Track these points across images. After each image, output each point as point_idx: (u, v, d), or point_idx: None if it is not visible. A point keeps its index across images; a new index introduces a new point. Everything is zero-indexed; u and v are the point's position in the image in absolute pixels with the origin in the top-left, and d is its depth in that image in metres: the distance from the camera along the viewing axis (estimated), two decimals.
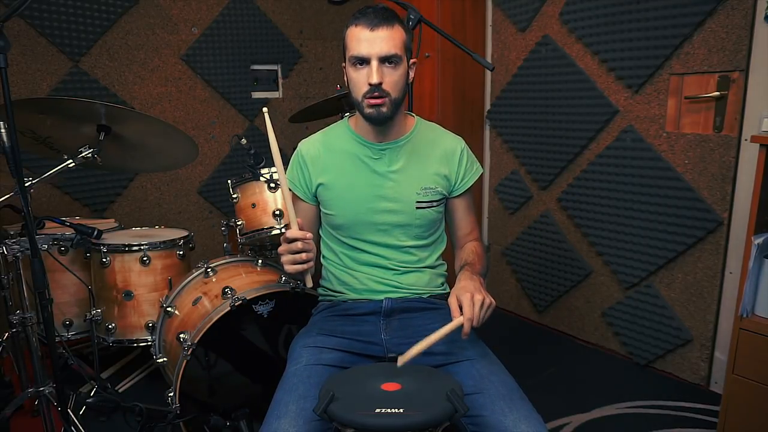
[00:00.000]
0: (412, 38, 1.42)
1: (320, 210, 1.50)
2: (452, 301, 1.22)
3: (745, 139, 2.02)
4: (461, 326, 1.19)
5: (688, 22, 2.08)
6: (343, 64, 1.39)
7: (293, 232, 1.21)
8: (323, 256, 1.54)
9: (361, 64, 1.32)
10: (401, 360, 1.15)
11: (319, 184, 1.45)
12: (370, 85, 1.30)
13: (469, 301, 1.19)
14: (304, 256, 1.22)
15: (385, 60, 1.30)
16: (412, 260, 1.46)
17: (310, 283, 1.27)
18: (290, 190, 1.50)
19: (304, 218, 1.50)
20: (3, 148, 1.33)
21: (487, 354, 1.35)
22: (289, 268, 1.24)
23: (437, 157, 1.46)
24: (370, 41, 1.29)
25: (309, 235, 1.22)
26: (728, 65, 2.02)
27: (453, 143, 1.50)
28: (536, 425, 1.13)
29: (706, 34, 2.06)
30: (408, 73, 1.38)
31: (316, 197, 1.48)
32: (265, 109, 1.28)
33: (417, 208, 1.43)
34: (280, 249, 1.24)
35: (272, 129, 1.27)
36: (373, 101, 1.32)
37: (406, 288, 1.45)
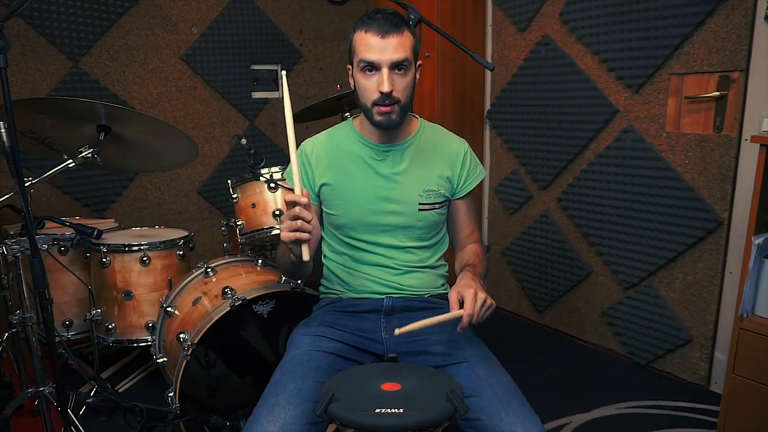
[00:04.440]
0: (419, 40, 1.43)
1: (322, 210, 1.50)
2: (452, 295, 1.23)
3: (745, 139, 2.02)
4: (458, 321, 1.20)
5: (688, 22, 2.08)
6: (349, 66, 1.39)
7: (291, 194, 1.14)
8: (324, 256, 1.54)
9: (370, 71, 1.32)
10: (398, 331, 1.19)
11: (323, 184, 1.45)
12: (381, 93, 1.31)
13: (472, 298, 1.19)
14: (299, 223, 1.13)
15: (395, 66, 1.31)
16: (413, 260, 1.47)
17: (306, 256, 1.16)
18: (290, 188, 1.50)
19: None
20: (3, 148, 1.33)
21: (486, 355, 1.35)
22: (284, 235, 1.15)
23: (441, 159, 1.47)
24: (381, 48, 1.29)
25: (305, 200, 1.13)
26: (728, 65, 2.02)
27: (457, 146, 1.50)
28: (533, 428, 1.13)
29: (706, 34, 2.06)
30: (415, 76, 1.39)
31: (318, 197, 1.48)
32: (283, 73, 1.25)
33: (419, 210, 1.43)
34: (282, 218, 1.19)
35: (288, 92, 1.18)
36: (384, 109, 1.33)
37: (407, 288, 1.45)
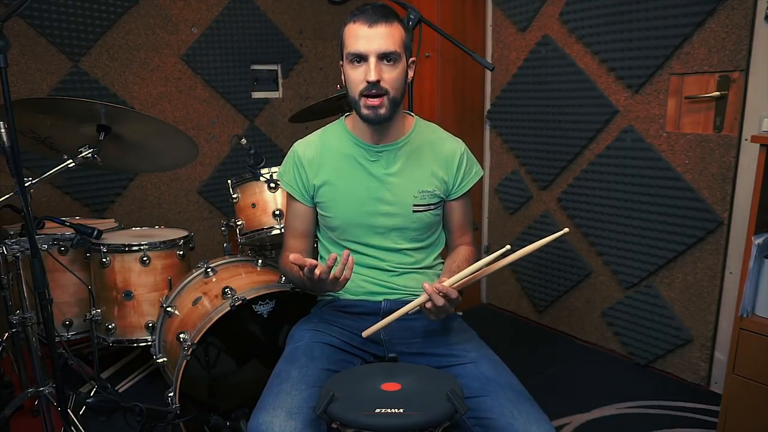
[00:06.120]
0: (411, 37, 1.40)
1: (317, 211, 1.49)
2: (426, 285, 1.23)
3: (745, 139, 2.02)
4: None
5: (688, 22, 2.08)
6: (341, 63, 1.36)
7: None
8: (321, 257, 1.54)
9: (358, 62, 1.29)
10: (366, 333, 1.26)
11: (317, 186, 1.44)
12: (367, 82, 1.28)
13: (434, 283, 1.22)
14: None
15: (383, 57, 1.28)
16: (408, 262, 1.46)
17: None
18: (287, 192, 1.49)
19: (301, 220, 1.50)
20: (3, 148, 1.33)
21: (490, 355, 1.35)
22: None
23: (436, 160, 1.45)
24: (368, 38, 1.27)
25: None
26: (728, 65, 2.02)
27: (453, 147, 1.47)
28: (546, 427, 1.14)
29: (706, 34, 2.06)
30: (407, 72, 1.36)
31: (313, 199, 1.47)
32: None
33: (414, 211, 1.42)
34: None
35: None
36: (370, 101, 1.29)
37: (403, 289, 1.45)
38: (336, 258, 1.18)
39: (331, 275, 1.20)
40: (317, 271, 1.19)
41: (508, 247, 1.18)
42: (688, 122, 2.19)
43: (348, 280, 1.24)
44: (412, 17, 1.80)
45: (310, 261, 1.18)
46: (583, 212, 2.60)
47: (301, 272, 1.26)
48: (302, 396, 1.17)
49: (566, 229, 1.23)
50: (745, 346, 1.69)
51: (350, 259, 1.21)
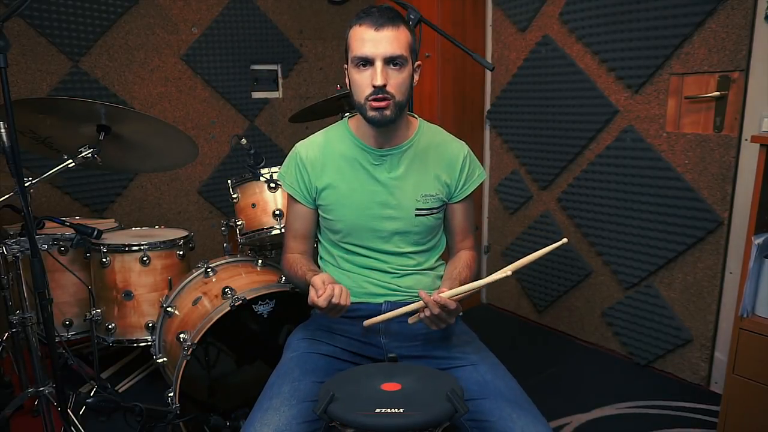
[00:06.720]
0: (416, 40, 1.40)
1: (319, 213, 1.48)
2: (423, 294, 1.24)
3: (745, 139, 2.02)
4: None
5: (688, 22, 2.08)
6: (345, 66, 1.36)
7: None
8: (321, 258, 1.53)
9: (364, 65, 1.28)
10: (367, 323, 1.28)
11: (319, 189, 1.43)
12: (374, 86, 1.27)
13: (434, 294, 1.22)
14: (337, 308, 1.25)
15: (389, 61, 1.27)
16: (410, 264, 1.45)
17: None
18: (289, 193, 1.49)
19: (302, 221, 1.49)
20: (3, 148, 1.33)
21: (490, 357, 1.34)
22: (321, 310, 1.26)
23: (439, 163, 1.44)
24: (375, 41, 1.25)
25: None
26: (728, 65, 2.02)
27: (456, 150, 1.46)
28: (545, 430, 1.13)
29: (706, 34, 2.06)
30: (413, 75, 1.35)
31: (315, 201, 1.46)
32: None
33: (416, 215, 1.41)
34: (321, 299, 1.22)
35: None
36: (376, 104, 1.28)
37: (405, 291, 1.44)
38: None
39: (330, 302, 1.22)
40: (312, 296, 1.23)
41: (509, 273, 1.20)
42: (688, 122, 2.19)
43: (346, 307, 1.26)
44: (412, 17, 1.80)
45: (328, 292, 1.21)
46: (583, 212, 2.61)
47: (305, 276, 1.27)
48: (291, 412, 1.16)
49: (565, 240, 1.23)
50: (745, 346, 1.69)
51: (343, 292, 1.25)
